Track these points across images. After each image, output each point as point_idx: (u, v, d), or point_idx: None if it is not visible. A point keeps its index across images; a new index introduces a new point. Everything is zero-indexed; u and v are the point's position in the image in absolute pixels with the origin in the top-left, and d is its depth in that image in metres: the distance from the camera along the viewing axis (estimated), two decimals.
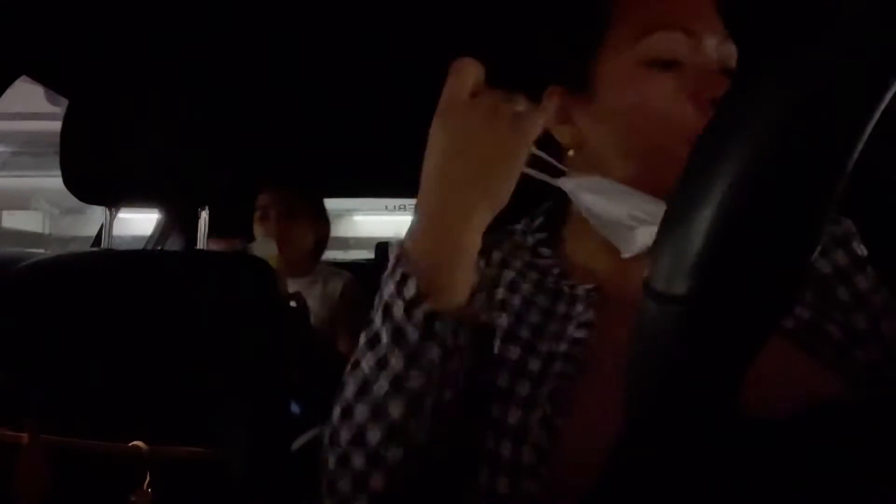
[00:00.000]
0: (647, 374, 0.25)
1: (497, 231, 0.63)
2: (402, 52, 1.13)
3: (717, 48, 0.51)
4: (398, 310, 0.46)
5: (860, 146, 0.20)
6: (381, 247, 1.69)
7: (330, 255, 1.90)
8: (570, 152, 0.56)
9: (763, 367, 0.24)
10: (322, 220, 1.70)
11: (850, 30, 0.20)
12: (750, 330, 0.23)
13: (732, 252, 0.22)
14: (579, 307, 0.54)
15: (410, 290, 0.46)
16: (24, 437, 0.64)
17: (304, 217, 1.62)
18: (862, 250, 0.55)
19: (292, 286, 1.55)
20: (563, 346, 0.52)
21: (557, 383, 0.50)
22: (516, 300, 0.57)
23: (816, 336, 0.49)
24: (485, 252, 0.61)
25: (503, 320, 0.55)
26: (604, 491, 0.43)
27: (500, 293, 0.57)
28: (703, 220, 0.22)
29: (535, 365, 0.52)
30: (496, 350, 0.54)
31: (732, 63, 0.52)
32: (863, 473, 0.23)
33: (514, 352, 0.53)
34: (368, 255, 1.92)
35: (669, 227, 0.24)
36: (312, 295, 1.60)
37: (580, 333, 0.52)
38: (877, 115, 0.20)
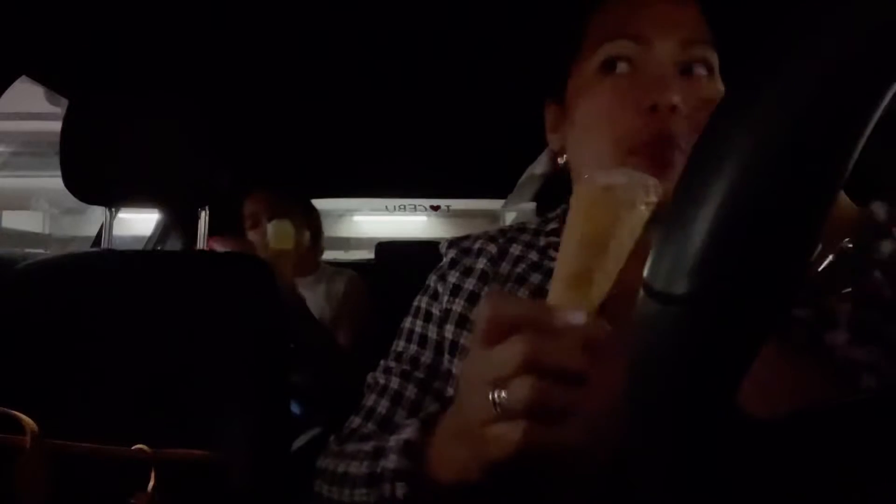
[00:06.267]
0: (647, 373, 0.25)
1: (517, 228, 0.66)
2: (404, 53, 1.13)
3: (674, 51, 0.52)
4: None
5: (860, 146, 0.20)
6: (381, 247, 1.68)
7: (330, 255, 1.91)
8: (560, 159, 0.61)
9: (763, 366, 0.24)
10: (312, 213, 1.70)
11: (851, 29, 0.20)
12: (750, 330, 0.23)
13: (732, 252, 0.22)
14: None
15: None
16: (26, 440, 0.64)
17: (294, 215, 1.61)
18: None
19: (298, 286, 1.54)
20: None
21: None
22: (522, 296, 0.58)
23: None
24: (503, 247, 0.62)
25: None
26: (604, 492, 0.43)
27: (509, 287, 0.59)
28: (703, 220, 0.22)
29: None
30: None
31: (703, 63, 0.53)
32: (862, 473, 0.23)
33: None
34: (368, 255, 1.92)
35: (669, 227, 0.24)
36: (317, 294, 1.60)
37: None
38: (877, 115, 0.20)
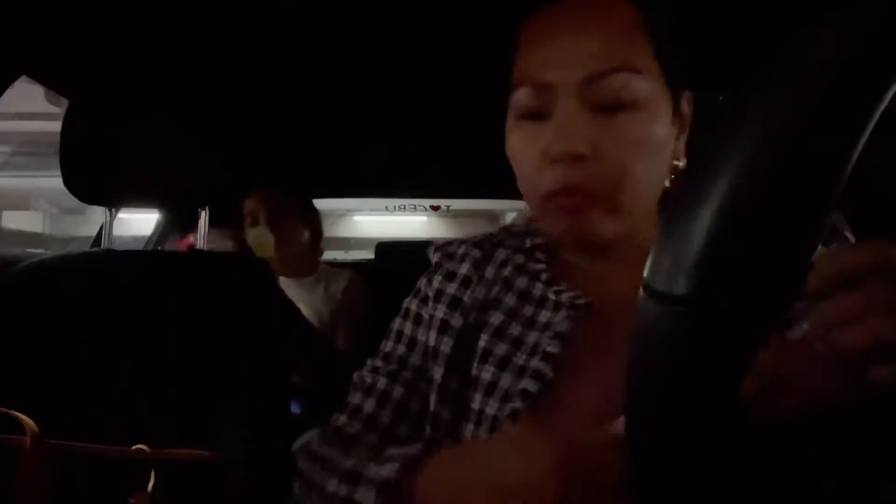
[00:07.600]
0: (647, 373, 0.25)
1: (501, 231, 0.65)
2: (404, 52, 1.13)
3: (581, 92, 0.50)
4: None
5: (860, 146, 0.20)
6: (381, 247, 1.68)
7: (330, 255, 1.90)
8: None
9: (763, 366, 0.24)
10: (312, 213, 1.70)
11: (850, 29, 0.20)
12: (750, 330, 0.23)
13: (732, 252, 0.22)
14: (561, 315, 0.54)
15: None
16: (26, 440, 0.64)
17: (293, 214, 1.61)
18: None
19: (295, 287, 1.55)
20: (534, 362, 0.52)
21: (519, 403, 0.50)
22: (508, 300, 0.58)
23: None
24: (489, 251, 0.62)
25: (495, 318, 0.57)
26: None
27: (495, 291, 0.59)
28: (703, 220, 0.22)
29: (505, 382, 0.53)
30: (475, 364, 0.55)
31: (619, 94, 0.50)
32: (862, 473, 0.23)
33: (488, 370, 0.54)
34: (368, 255, 1.92)
35: (669, 227, 0.24)
36: (316, 295, 1.60)
37: (553, 348, 0.52)
38: (876, 115, 0.20)
